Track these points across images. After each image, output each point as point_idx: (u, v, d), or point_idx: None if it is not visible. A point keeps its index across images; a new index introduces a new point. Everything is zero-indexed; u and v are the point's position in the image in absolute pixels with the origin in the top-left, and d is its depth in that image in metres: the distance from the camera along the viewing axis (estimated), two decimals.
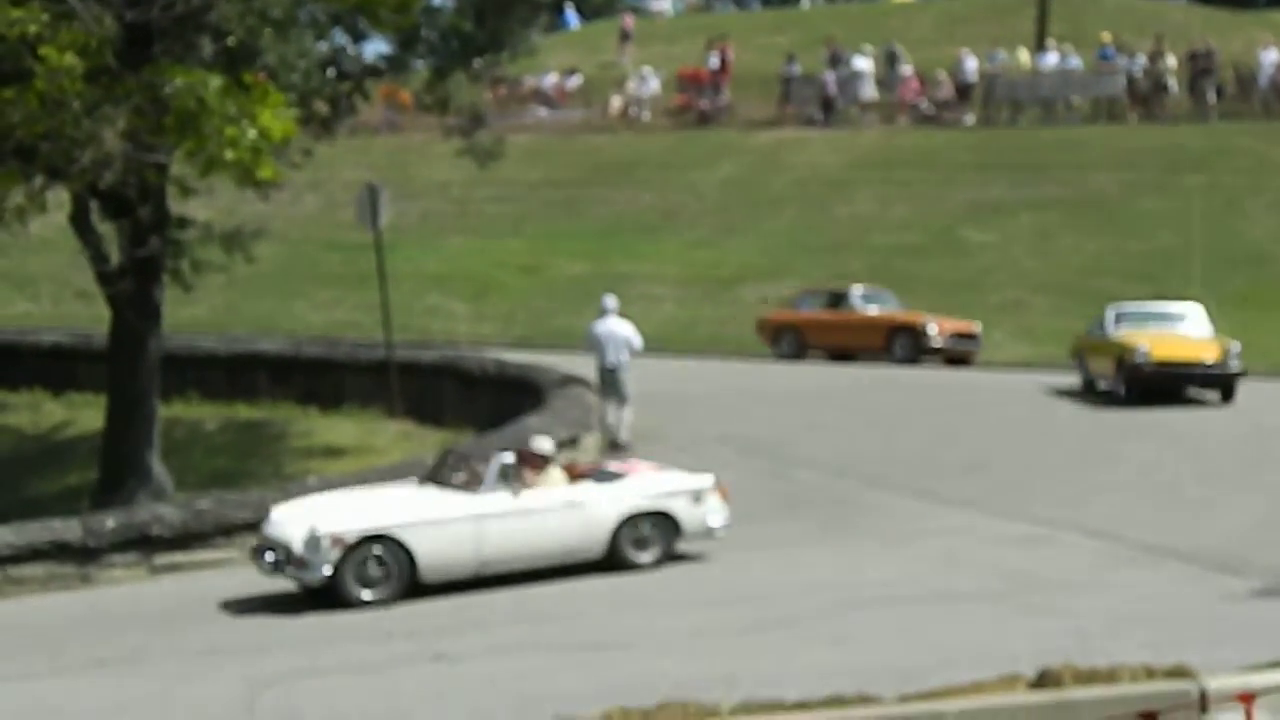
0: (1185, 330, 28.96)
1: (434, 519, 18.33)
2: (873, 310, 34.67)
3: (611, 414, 26.08)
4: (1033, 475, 23.13)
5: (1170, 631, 14.86)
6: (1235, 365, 27.88)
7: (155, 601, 18.81)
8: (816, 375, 31.85)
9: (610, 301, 26.81)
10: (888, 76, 49.23)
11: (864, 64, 48.96)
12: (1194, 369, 28.00)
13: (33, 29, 20.26)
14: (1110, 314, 29.72)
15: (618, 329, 26.29)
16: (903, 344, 33.78)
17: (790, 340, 34.78)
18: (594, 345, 26.35)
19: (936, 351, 33.76)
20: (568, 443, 24.54)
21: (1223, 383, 28.01)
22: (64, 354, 34.30)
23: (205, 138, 20.91)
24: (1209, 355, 27.95)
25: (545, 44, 42.18)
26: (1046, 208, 40.59)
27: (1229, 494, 21.63)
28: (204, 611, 18.28)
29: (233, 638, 16.89)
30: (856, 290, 35.11)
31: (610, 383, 26.12)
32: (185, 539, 20.35)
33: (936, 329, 33.75)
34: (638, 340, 26.41)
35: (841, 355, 34.51)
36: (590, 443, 25.46)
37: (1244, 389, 28.16)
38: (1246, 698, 10.72)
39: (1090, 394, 28.78)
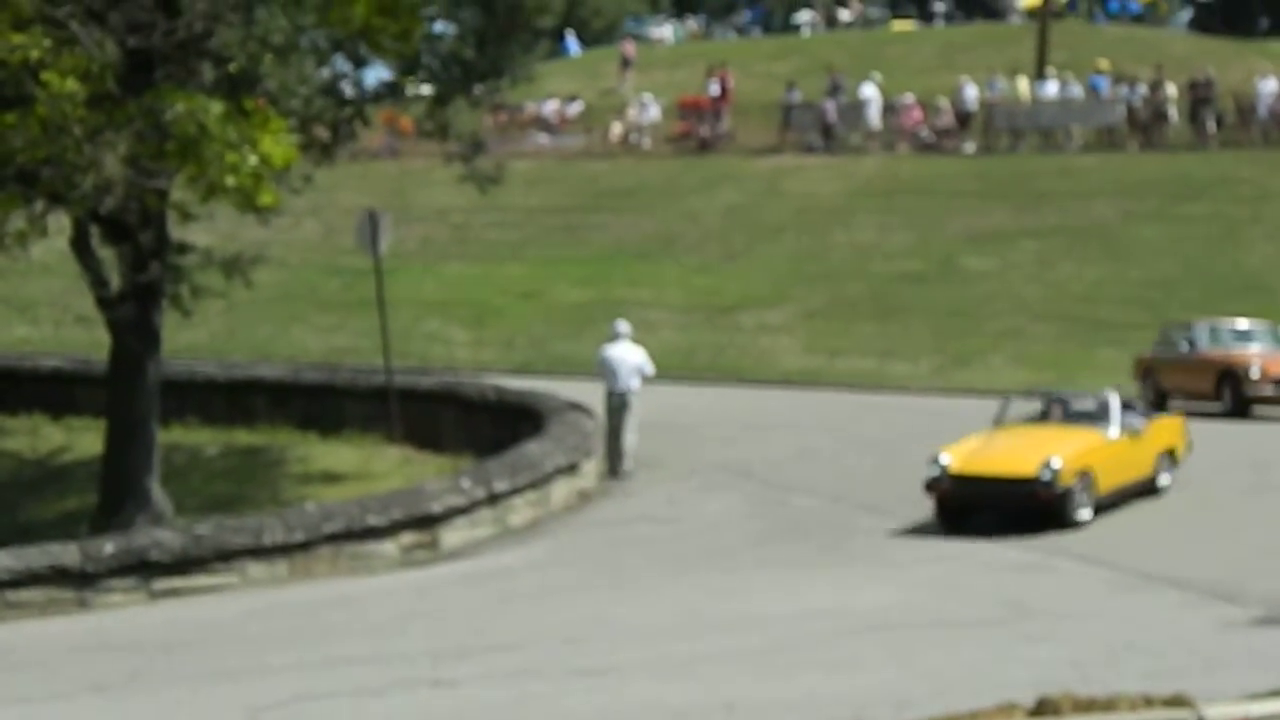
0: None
1: None
2: (1211, 348, 30.65)
3: (614, 440, 26.08)
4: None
5: (1168, 660, 14.85)
6: None
7: (154, 627, 18.80)
8: (815, 403, 31.84)
9: (622, 326, 26.81)
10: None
11: (870, 91, 49.03)
12: None
13: (35, 54, 20.31)
14: (1203, 331, 30.33)
15: (628, 355, 26.30)
16: (1229, 388, 29.96)
17: (1150, 383, 30.81)
18: (603, 370, 26.35)
19: (1265, 400, 29.91)
20: (567, 469, 24.59)
21: None
22: (63, 378, 34.31)
23: (206, 163, 20.94)
24: None
25: (546, 70, 42.27)
26: (1046, 236, 40.63)
27: (1224, 522, 21.63)
28: (203, 637, 18.27)
29: (231, 663, 16.86)
30: (1204, 324, 31.40)
31: (618, 409, 26.11)
32: (184, 564, 20.36)
33: (1259, 371, 29.78)
34: (650, 367, 26.43)
35: (1188, 399, 30.16)
36: (590, 469, 25.49)
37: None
38: None
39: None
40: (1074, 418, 22.78)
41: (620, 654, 16.26)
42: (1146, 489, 22.68)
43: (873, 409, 30.98)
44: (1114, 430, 22.21)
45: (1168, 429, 23.59)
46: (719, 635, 16.86)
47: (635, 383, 26.21)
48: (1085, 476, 21.39)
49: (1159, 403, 29.37)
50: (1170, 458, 23.20)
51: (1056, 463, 21.01)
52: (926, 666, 15.02)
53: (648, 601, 18.81)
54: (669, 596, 18.97)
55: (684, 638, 16.88)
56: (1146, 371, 31.00)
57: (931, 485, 21.74)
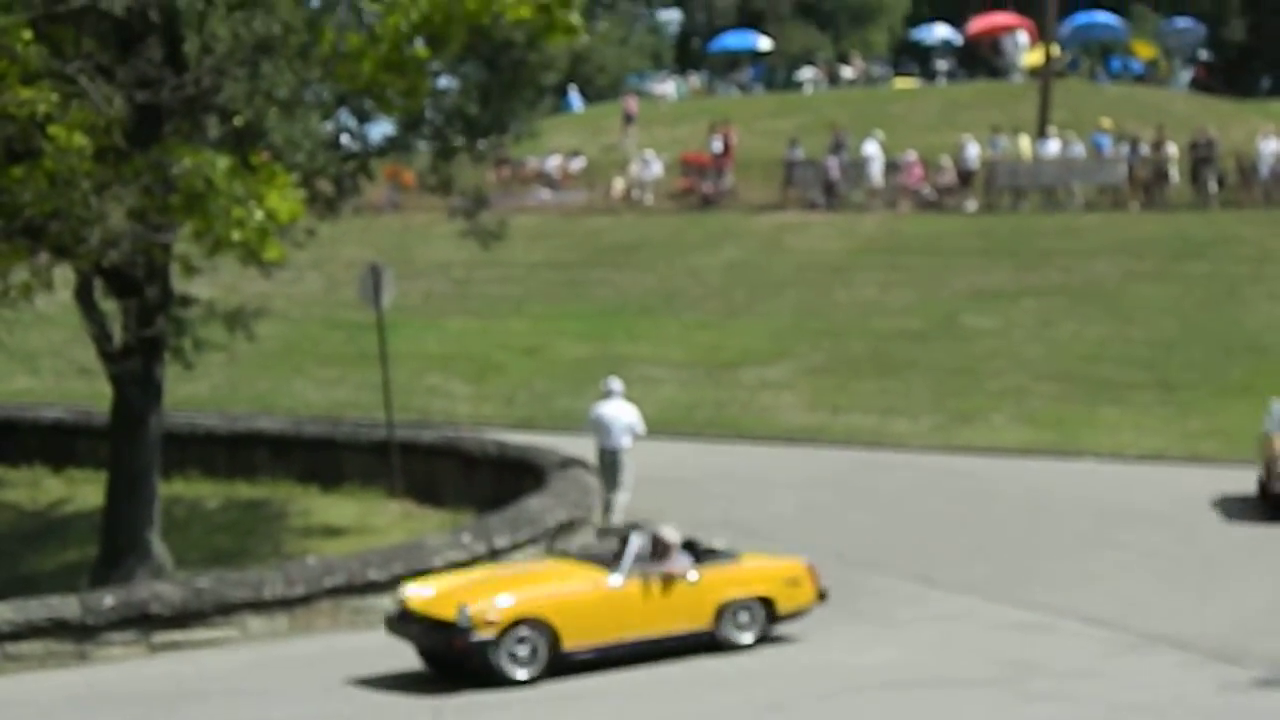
0: None
1: None
2: None
3: (607, 497, 26.08)
4: (1032, 561, 23.11)
5: None
6: None
7: (154, 680, 18.77)
8: (816, 459, 31.83)
9: (615, 384, 26.84)
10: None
11: (873, 149, 49.18)
12: None
13: (43, 109, 20.36)
14: None
15: (620, 413, 26.31)
16: None
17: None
18: (595, 428, 26.39)
19: None
20: (568, 524, 24.57)
21: None
22: (65, 430, 34.30)
23: (212, 218, 20.99)
24: None
25: (549, 126, 42.40)
26: (1048, 294, 40.69)
27: (1227, 583, 21.61)
28: (203, 690, 18.24)
29: (231, 717, 16.84)
30: None
31: (609, 466, 26.13)
32: (184, 618, 20.33)
33: None
34: (641, 426, 26.42)
35: None
36: (591, 525, 25.46)
37: (1245, 478, 28.12)
38: None
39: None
40: (593, 557, 19.64)
41: (621, 710, 16.23)
42: (704, 644, 18.89)
43: (874, 466, 30.97)
44: (617, 577, 18.79)
45: (758, 576, 19.43)
46: (719, 693, 16.83)
47: (626, 441, 26.20)
48: (534, 627, 18.09)
49: None
50: (763, 609, 19.21)
51: (470, 609, 17.98)
52: None
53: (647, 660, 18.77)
54: (668, 655, 18.92)
55: (686, 694, 16.85)
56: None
57: (388, 621, 19.14)
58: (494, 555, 22.92)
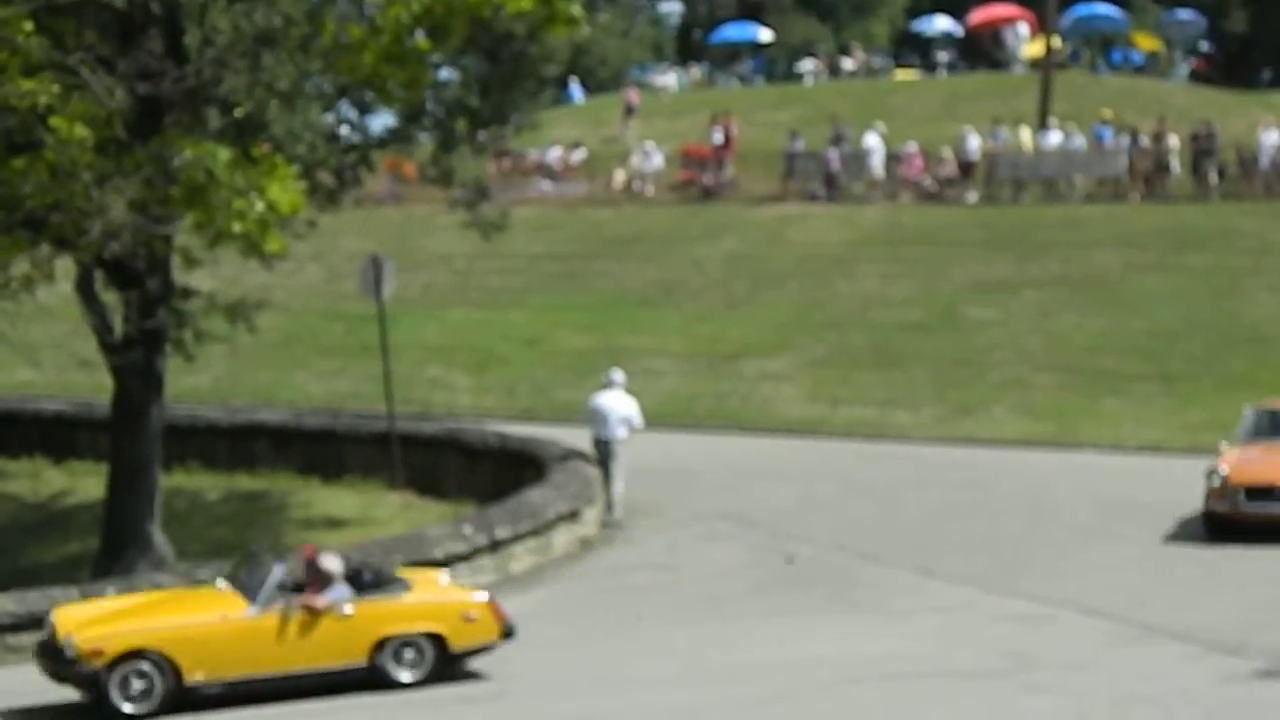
0: None
1: None
2: None
3: (608, 490, 26.11)
4: (1032, 552, 23.12)
5: (1172, 712, 14.86)
6: None
7: None
8: (817, 451, 31.84)
9: (617, 376, 26.84)
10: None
11: (873, 141, 49.16)
12: None
13: (44, 100, 20.37)
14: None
15: (617, 404, 26.32)
16: None
17: None
18: (591, 417, 26.42)
19: None
20: (568, 516, 24.60)
21: None
22: (65, 422, 34.32)
23: (214, 210, 21.01)
24: None
25: (549, 118, 42.37)
26: (1048, 286, 40.68)
27: (1229, 574, 21.62)
28: None
29: (233, 710, 16.86)
30: None
31: (603, 457, 26.16)
32: None
33: None
34: (638, 419, 26.40)
35: None
36: (591, 516, 25.51)
37: None
38: None
39: None
40: (242, 586, 18.24)
41: (621, 702, 16.25)
42: (363, 679, 17.79)
43: (875, 458, 30.98)
44: (253, 609, 17.67)
45: (426, 611, 18.12)
46: (720, 684, 16.85)
47: (621, 432, 26.21)
48: (150, 659, 17.22)
49: None
50: (432, 645, 17.96)
51: (76, 639, 17.24)
52: (930, 717, 15.02)
53: (649, 650, 18.81)
54: (670, 645, 18.97)
55: (685, 686, 16.88)
56: None
57: (36, 648, 18.10)
58: (495, 547, 22.99)
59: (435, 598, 18.36)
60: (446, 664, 17.97)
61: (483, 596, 18.45)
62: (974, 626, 19.16)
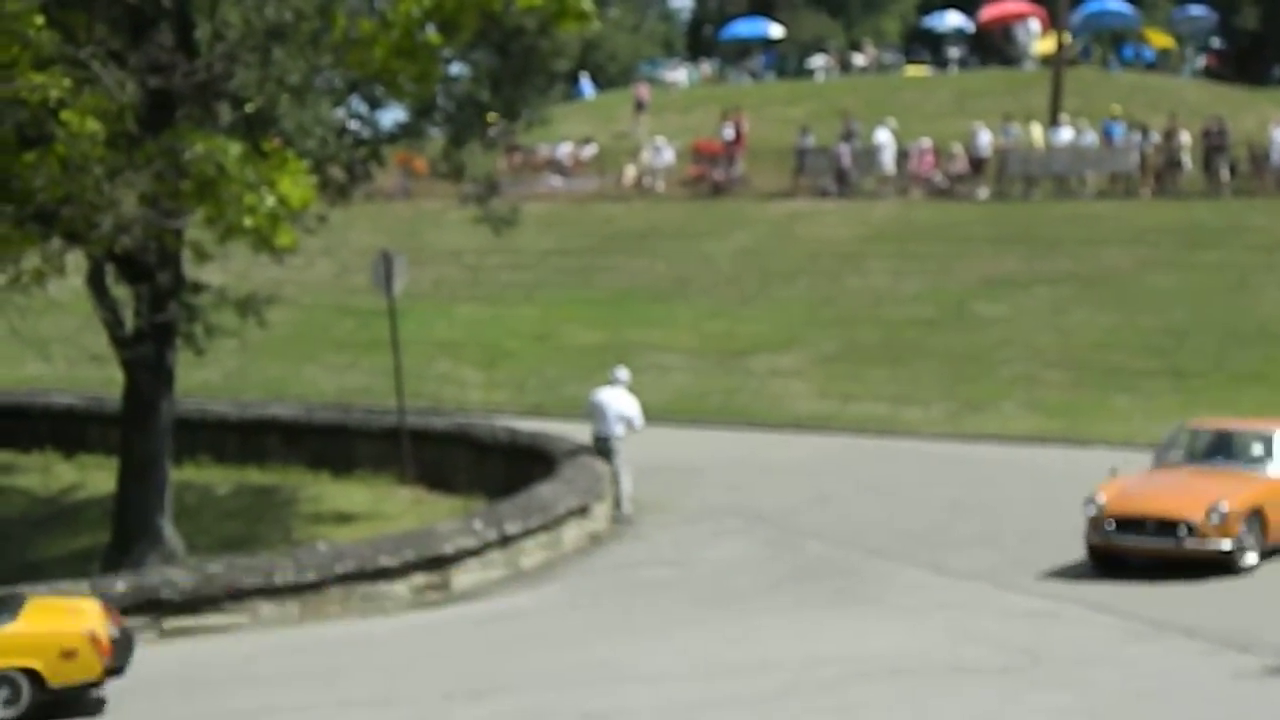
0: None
1: None
2: None
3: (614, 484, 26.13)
4: (1042, 548, 23.09)
5: (1180, 709, 14.85)
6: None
7: (165, 666, 18.80)
8: (827, 447, 31.84)
9: (621, 374, 26.91)
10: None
11: (884, 137, 49.12)
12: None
13: (55, 94, 20.38)
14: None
15: (616, 401, 26.37)
16: None
17: None
18: (590, 412, 26.51)
19: None
20: (578, 511, 24.61)
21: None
22: (76, 416, 34.39)
23: (224, 204, 21.03)
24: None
25: (560, 113, 42.33)
26: (1059, 282, 40.64)
27: (1240, 570, 21.56)
28: (213, 676, 18.28)
29: (242, 703, 16.88)
30: None
31: (602, 453, 26.22)
32: (195, 603, 20.39)
33: None
34: (639, 420, 26.44)
35: None
36: (601, 512, 25.51)
37: None
38: None
39: None
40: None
41: (630, 698, 16.25)
42: None
43: (885, 454, 30.98)
44: None
45: (16, 646, 16.86)
46: (729, 680, 16.85)
47: (619, 429, 26.27)
48: None
49: None
50: (28, 681, 16.80)
51: None
52: (939, 713, 15.02)
53: (658, 645, 18.81)
54: (679, 640, 18.97)
55: (694, 682, 16.88)
56: None
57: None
58: (505, 542, 22.99)
59: (35, 630, 16.97)
60: (48, 702, 16.74)
61: (86, 630, 16.98)
62: (983, 622, 19.15)
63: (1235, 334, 36.60)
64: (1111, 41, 68.64)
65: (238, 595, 20.63)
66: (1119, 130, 47.96)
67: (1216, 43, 76.87)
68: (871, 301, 41.00)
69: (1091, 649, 17.72)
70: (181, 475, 28.42)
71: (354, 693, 17.15)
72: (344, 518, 28.04)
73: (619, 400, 26.41)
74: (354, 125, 28.19)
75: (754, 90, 64.78)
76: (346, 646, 19.62)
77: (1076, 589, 20.59)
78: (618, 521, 25.86)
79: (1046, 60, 58.50)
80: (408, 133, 28.73)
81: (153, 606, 20.13)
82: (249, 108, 23.51)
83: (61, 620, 17.26)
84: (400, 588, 21.68)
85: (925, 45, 77.33)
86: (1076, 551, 22.67)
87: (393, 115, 30.13)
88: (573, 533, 24.47)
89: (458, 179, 28.90)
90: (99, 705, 17.19)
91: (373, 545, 22.08)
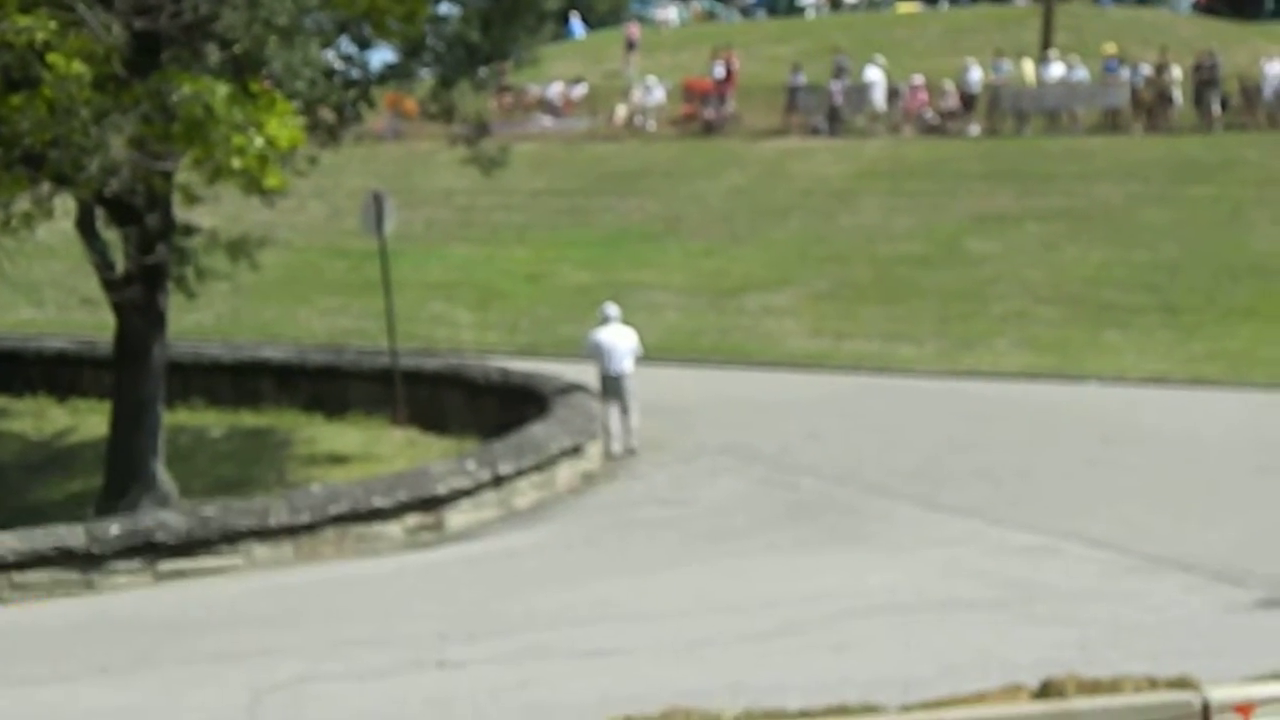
0: None
1: None
2: None
3: (615, 422, 26.15)
4: (1036, 484, 23.14)
5: (1173, 642, 14.87)
6: None
7: (159, 608, 18.84)
8: (821, 385, 31.85)
9: (612, 310, 26.97)
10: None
11: (875, 74, 48.99)
12: None
13: (40, 36, 20.29)
14: None
15: (622, 338, 26.43)
16: None
17: None
18: (597, 353, 26.46)
19: None
20: (571, 451, 24.62)
21: None
22: (69, 360, 34.35)
23: (213, 146, 20.96)
24: None
25: (550, 53, 42.23)
26: (1051, 218, 40.60)
27: (1231, 505, 21.63)
28: (208, 618, 18.31)
29: (237, 645, 16.89)
30: None
31: (615, 391, 26.19)
32: (190, 546, 20.41)
33: None
34: (639, 348, 26.59)
35: None
36: (594, 451, 25.53)
37: (1247, 401, 28.14)
38: (1244, 709, 10.72)
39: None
40: None
41: (625, 636, 16.28)
42: None
43: (878, 391, 30.98)
44: None
45: None
46: (725, 617, 16.87)
47: (630, 365, 26.35)
48: None
49: None
50: None
51: None
52: (933, 648, 15.04)
53: (653, 584, 18.83)
54: (675, 579, 19.00)
55: (689, 620, 16.90)
56: None
57: None
58: (498, 482, 23.02)
59: None
60: None
61: None
62: (977, 558, 19.18)
63: (1228, 269, 36.59)
64: None
65: (232, 537, 20.64)
66: (1116, 66, 47.81)
67: None
68: (864, 239, 40.96)
69: (1085, 584, 17.75)
70: (174, 418, 28.42)
71: (349, 633, 17.17)
72: (337, 459, 28.05)
73: (624, 337, 26.49)
74: (343, 66, 28.07)
75: (745, 28, 64.64)
76: (341, 587, 19.64)
77: (1070, 524, 20.62)
78: (629, 454, 25.91)
79: None
80: (397, 74, 28.61)
81: (147, 549, 20.15)
82: (236, 49, 23.38)
83: None
84: (394, 528, 21.71)
85: None
86: (1072, 486, 22.73)
87: (382, 56, 30.03)
88: (566, 472, 24.49)
89: (448, 120, 28.80)
90: None
91: (366, 486, 22.09)
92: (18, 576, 19.69)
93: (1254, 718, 10.49)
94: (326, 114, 26.99)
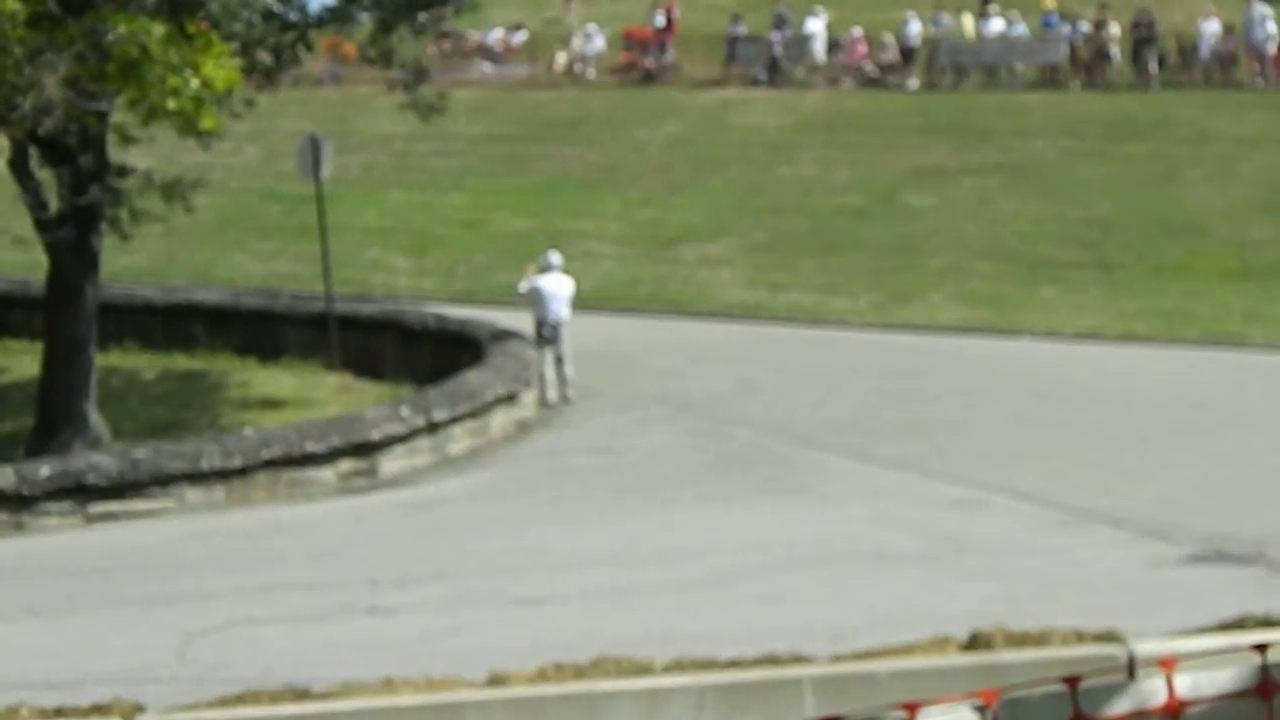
0: None
1: None
2: None
3: (550, 370, 26.17)
4: (968, 438, 23.27)
5: (1101, 596, 14.99)
6: None
7: (90, 551, 18.78)
8: (755, 336, 31.91)
9: (555, 258, 27.00)
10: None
11: (816, 26, 48.97)
12: None
13: None
14: None
15: (562, 287, 26.48)
16: None
17: None
18: (535, 300, 26.47)
19: None
20: (506, 399, 24.61)
21: None
22: (0, 300, 34.09)
23: (148, 86, 20.80)
24: None
25: None
26: (988, 173, 40.74)
27: (1161, 460, 21.80)
28: (139, 561, 18.26)
29: (168, 588, 16.85)
30: None
31: (551, 339, 26.22)
32: (121, 488, 20.33)
33: None
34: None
35: None
36: (529, 399, 25.54)
37: (1179, 357, 28.36)
38: (1168, 663, 10.83)
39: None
40: None
41: (557, 584, 16.31)
42: None
43: (813, 343, 31.08)
44: None
45: None
46: (656, 567, 16.92)
47: (567, 313, 26.42)
48: None
49: None
50: None
51: None
52: (863, 599, 15.12)
53: (585, 532, 18.87)
54: (607, 527, 19.03)
55: (621, 569, 16.94)
56: None
57: None
58: (433, 429, 23.00)
59: None
60: None
61: None
62: (908, 511, 19.28)
63: (1162, 226, 36.81)
64: None
65: (163, 480, 20.58)
66: (1057, 21, 47.91)
67: None
68: (801, 191, 41.00)
69: (1016, 537, 17.86)
70: (107, 360, 28.25)
71: (280, 577, 17.15)
72: (271, 404, 27.96)
73: (564, 285, 26.58)
74: (281, 9, 27.85)
75: None
76: (273, 532, 19.61)
77: (1001, 478, 20.74)
78: (564, 403, 25.94)
79: None
80: (336, 17, 28.40)
81: (78, 491, 20.06)
82: None
83: None
84: (327, 474, 21.67)
85: None
86: (1004, 440, 22.87)
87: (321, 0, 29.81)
88: (500, 420, 24.49)
89: (386, 65, 28.63)
90: None
91: (299, 431, 22.04)
92: None
93: (1177, 671, 10.59)
94: (264, 56, 26.80)
